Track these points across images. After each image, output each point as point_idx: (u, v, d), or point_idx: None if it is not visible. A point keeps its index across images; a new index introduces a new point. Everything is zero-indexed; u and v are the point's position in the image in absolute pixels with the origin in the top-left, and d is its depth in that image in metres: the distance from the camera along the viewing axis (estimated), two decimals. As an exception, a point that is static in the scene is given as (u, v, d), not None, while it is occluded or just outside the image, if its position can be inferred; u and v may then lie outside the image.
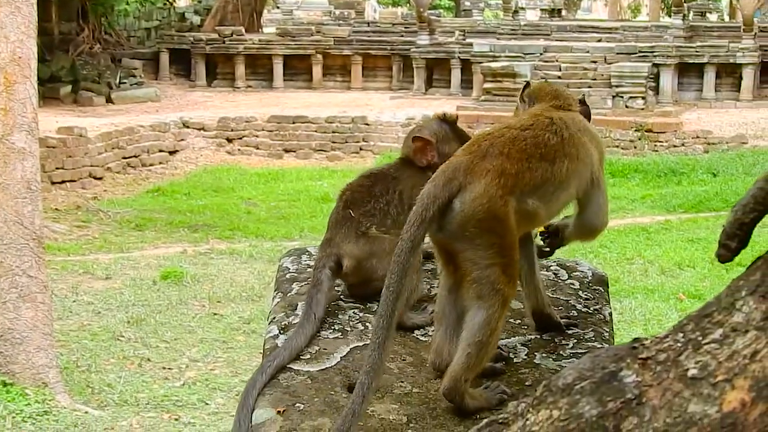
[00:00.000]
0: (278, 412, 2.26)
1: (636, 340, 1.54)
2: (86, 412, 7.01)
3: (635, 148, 18.08)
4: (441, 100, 20.60)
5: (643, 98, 19.35)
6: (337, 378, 2.39)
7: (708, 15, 25.16)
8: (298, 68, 23.72)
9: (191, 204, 14.87)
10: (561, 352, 2.53)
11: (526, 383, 2.38)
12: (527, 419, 1.53)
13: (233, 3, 25.19)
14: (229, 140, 19.31)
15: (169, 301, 9.56)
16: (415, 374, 2.43)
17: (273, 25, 26.69)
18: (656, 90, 20.15)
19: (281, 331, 2.59)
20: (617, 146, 17.87)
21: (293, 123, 19.41)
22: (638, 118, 18.64)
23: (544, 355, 2.52)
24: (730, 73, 20.77)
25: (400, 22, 24.64)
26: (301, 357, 2.47)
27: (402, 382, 2.39)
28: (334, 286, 2.69)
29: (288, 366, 2.42)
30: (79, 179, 15.93)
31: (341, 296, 2.78)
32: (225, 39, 23.71)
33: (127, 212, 14.17)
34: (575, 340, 2.60)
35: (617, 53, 20.46)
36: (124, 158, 17.31)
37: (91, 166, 16.31)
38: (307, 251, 3.07)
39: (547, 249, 2.70)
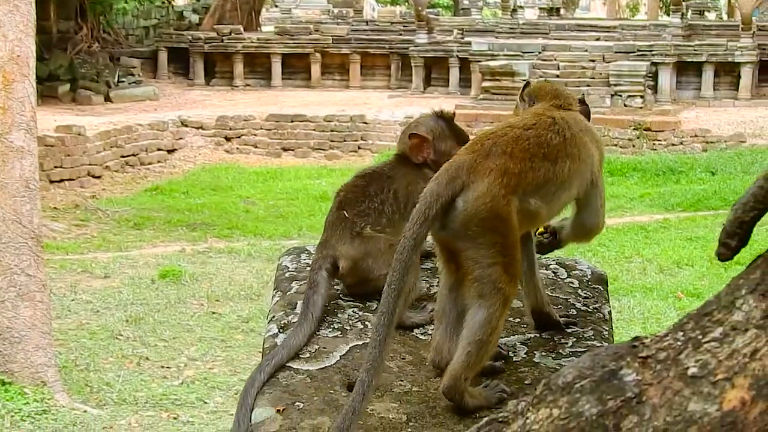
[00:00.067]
0: (278, 410, 2.26)
1: (636, 338, 1.54)
2: (85, 411, 7.01)
3: (634, 146, 18.08)
4: (439, 99, 20.56)
5: (642, 97, 19.34)
6: (337, 377, 2.39)
7: (706, 14, 25.15)
8: (296, 67, 23.70)
9: (190, 203, 14.87)
10: (560, 351, 2.53)
11: (526, 382, 2.38)
12: (527, 418, 1.53)
13: (232, 2, 25.16)
14: (228, 139, 19.29)
15: (168, 299, 9.56)
16: (415, 373, 2.43)
17: (271, 23, 26.68)
18: (655, 89, 20.14)
19: (281, 330, 2.59)
20: (616, 145, 17.87)
21: (292, 122, 19.39)
22: (637, 116, 18.64)
23: (543, 353, 2.52)
24: (728, 71, 20.77)
25: (399, 21, 24.65)
26: (301, 356, 2.46)
27: (401, 380, 2.39)
28: (331, 287, 2.68)
29: (287, 365, 2.42)
30: (77, 178, 15.92)
31: (340, 295, 2.77)
32: (223, 38, 23.69)
33: (125, 211, 14.16)
34: (574, 339, 2.60)
35: (616, 52, 20.46)
36: (123, 157, 17.29)
37: (90, 164, 16.29)
38: (307, 250, 3.06)
39: (547, 241, 2.70)
